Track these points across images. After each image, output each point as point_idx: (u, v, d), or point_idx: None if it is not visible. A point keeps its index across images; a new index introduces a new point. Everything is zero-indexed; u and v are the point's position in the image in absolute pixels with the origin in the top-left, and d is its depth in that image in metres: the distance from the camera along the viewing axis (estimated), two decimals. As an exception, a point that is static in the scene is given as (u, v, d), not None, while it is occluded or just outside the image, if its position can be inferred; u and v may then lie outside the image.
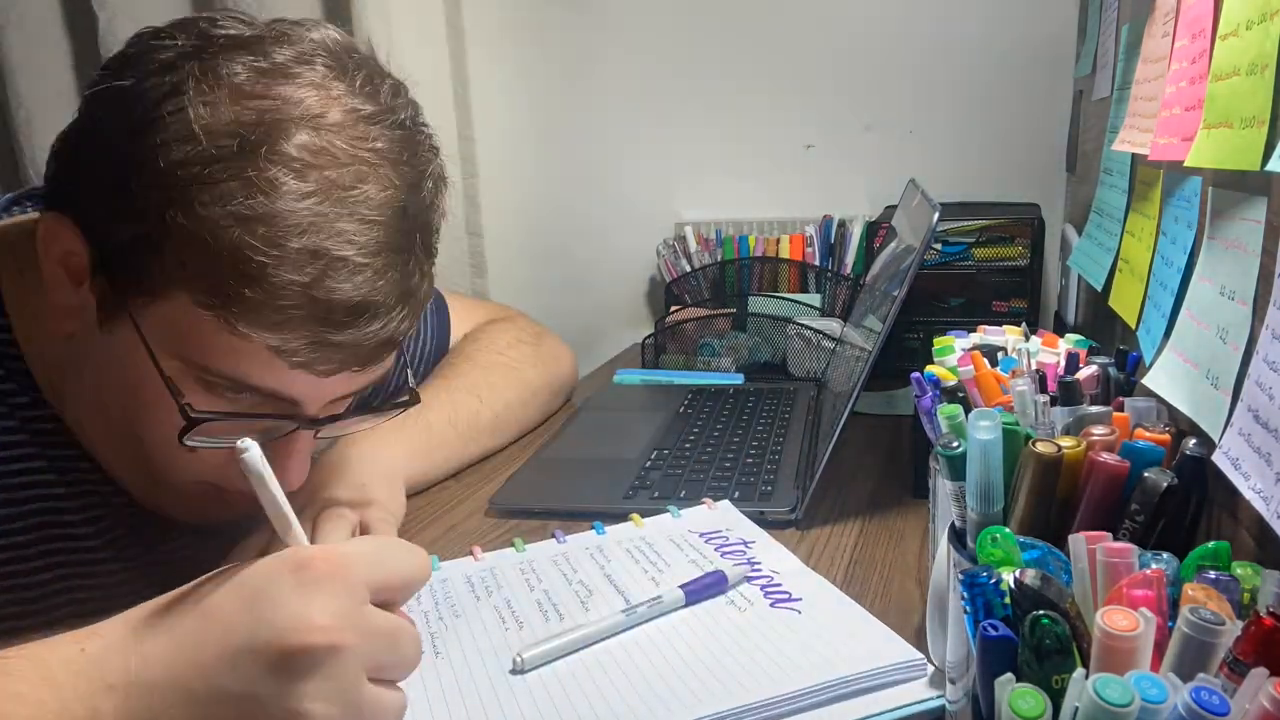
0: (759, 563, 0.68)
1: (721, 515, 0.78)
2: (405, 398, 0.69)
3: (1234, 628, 0.32)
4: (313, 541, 0.61)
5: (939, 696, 0.52)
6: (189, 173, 0.53)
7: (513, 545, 0.74)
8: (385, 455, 0.78)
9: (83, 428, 0.65)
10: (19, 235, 0.65)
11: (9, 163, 1.45)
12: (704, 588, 0.63)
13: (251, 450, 0.45)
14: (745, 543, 0.72)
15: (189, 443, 0.57)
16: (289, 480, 0.62)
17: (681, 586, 0.63)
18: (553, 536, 0.75)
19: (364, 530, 0.70)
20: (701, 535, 0.73)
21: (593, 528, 0.77)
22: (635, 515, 0.78)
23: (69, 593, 0.67)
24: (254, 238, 0.53)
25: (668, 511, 0.78)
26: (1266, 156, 0.45)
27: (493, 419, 0.95)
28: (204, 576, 0.46)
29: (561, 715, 0.52)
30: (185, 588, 0.46)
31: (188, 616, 0.45)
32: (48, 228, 0.58)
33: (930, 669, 0.54)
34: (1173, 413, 0.56)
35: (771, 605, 0.62)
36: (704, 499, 0.80)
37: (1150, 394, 0.58)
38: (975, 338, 0.74)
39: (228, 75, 0.55)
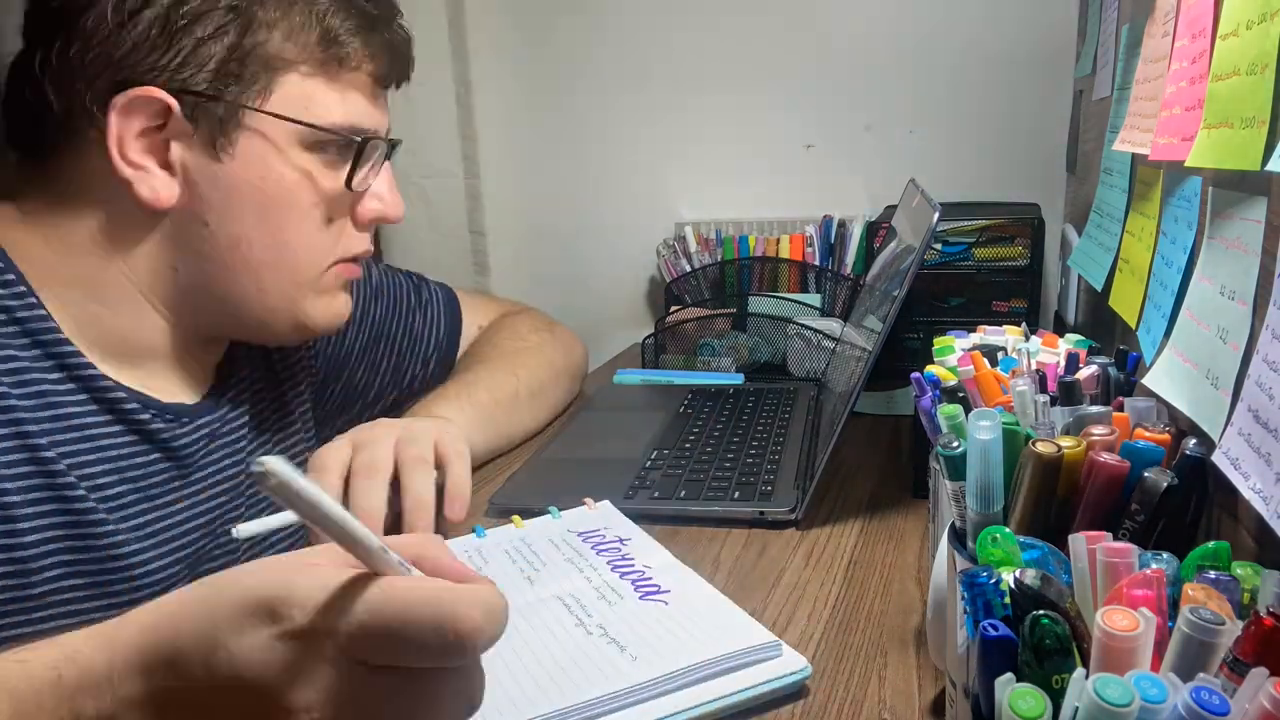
0: (632, 558, 0.70)
1: (600, 515, 0.79)
2: None
3: (1234, 628, 0.32)
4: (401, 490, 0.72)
5: (796, 673, 0.57)
6: None
7: None
8: (451, 425, 0.82)
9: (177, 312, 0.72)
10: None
11: (6, 159, 1.44)
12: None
13: (266, 466, 0.34)
14: (621, 540, 0.73)
15: (354, 185, 0.72)
16: (401, 211, 0.78)
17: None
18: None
19: (440, 462, 0.76)
20: (579, 535, 0.75)
21: (473, 530, 0.78)
22: (516, 517, 0.79)
23: (58, 554, 0.66)
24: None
25: (548, 513, 0.79)
26: (1266, 156, 0.45)
27: (529, 396, 1.01)
28: (191, 594, 0.41)
29: None
30: (167, 611, 0.41)
31: (160, 658, 0.40)
32: (125, 106, 0.64)
33: (785, 649, 0.58)
34: (1173, 413, 0.56)
35: (641, 598, 0.65)
36: (584, 499, 0.81)
37: (1150, 394, 0.58)
38: (975, 338, 0.74)
39: None
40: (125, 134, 0.65)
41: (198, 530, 0.74)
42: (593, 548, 0.72)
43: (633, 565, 0.69)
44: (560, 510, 0.80)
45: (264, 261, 0.71)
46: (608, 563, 0.69)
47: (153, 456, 0.71)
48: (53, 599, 0.65)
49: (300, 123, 0.69)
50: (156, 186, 0.66)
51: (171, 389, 0.73)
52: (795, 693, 0.57)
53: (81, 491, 0.66)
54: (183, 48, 0.65)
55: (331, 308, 0.77)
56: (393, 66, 0.76)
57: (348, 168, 0.72)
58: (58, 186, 0.68)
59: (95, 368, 0.68)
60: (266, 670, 0.37)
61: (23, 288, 0.65)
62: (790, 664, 0.57)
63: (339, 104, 0.71)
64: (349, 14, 0.71)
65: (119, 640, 0.41)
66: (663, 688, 0.54)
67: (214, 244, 0.69)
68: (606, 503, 0.81)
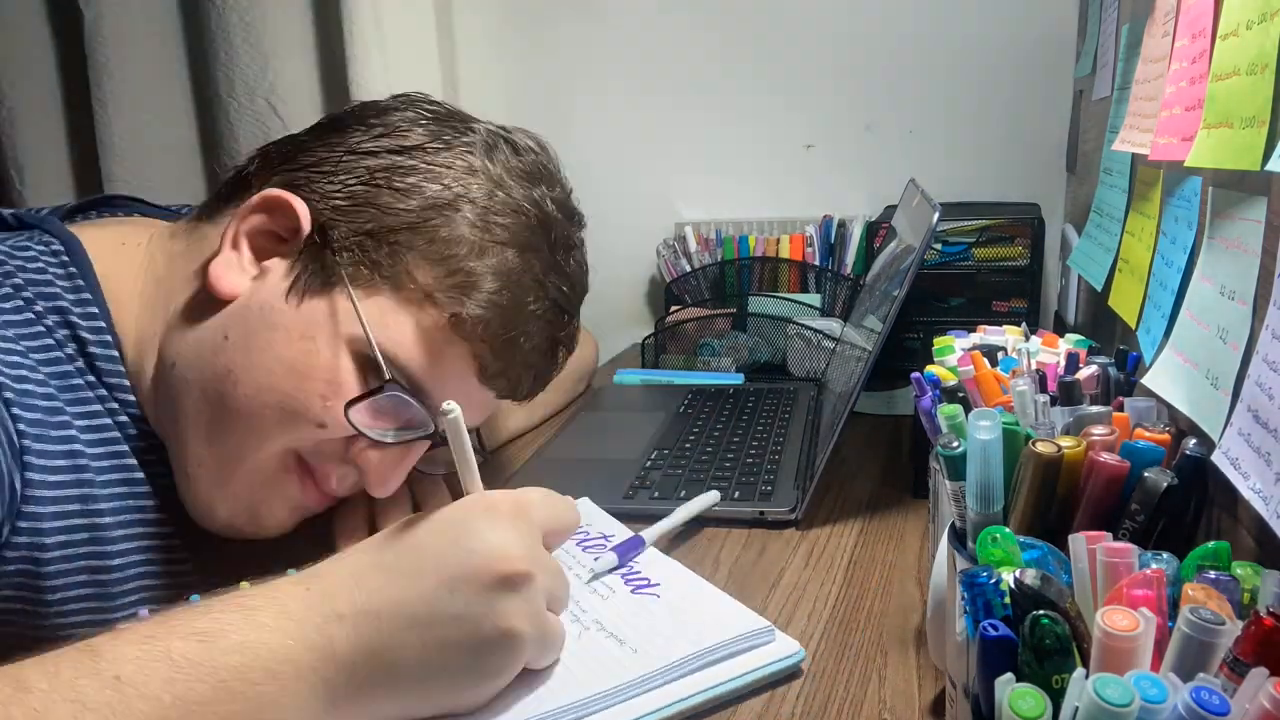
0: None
1: (582, 512, 0.78)
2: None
3: (1234, 628, 0.32)
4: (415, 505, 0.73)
5: (789, 656, 0.58)
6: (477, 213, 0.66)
7: None
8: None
9: (165, 410, 0.66)
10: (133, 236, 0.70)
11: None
12: (629, 549, 0.69)
13: (456, 411, 0.53)
14: (605, 536, 0.73)
15: (353, 419, 0.62)
16: (391, 484, 0.67)
17: (613, 549, 0.69)
18: None
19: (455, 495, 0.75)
20: None
21: None
22: None
23: (141, 579, 0.66)
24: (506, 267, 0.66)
25: None
26: (1266, 156, 0.45)
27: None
28: (400, 521, 0.53)
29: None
30: (380, 534, 0.53)
31: (400, 553, 0.51)
32: (273, 197, 0.64)
33: (778, 634, 0.59)
34: (1173, 413, 0.56)
35: (632, 591, 0.65)
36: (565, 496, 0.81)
37: (1150, 394, 0.58)
38: (975, 338, 0.74)
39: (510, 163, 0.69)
40: (251, 220, 0.65)
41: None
42: (578, 544, 0.72)
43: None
44: None
45: (235, 410, 0.62)
46: (595, 559, 0.69)
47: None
48: None
49: (370, 340, 0.62)
50: (230, 274, 0.64)
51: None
52: (791, 675, 0.58)
53: (164, 516, 0.67)
54: (356, 195, 0.64)
55: (249, 512, 0.66)
56: (511, 381, 0.69)
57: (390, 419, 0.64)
58: (199, 233, 0.69)
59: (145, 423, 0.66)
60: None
61: (103, 325, 0.64)
62: (784, 648, 0.58)
63: (414, 346, 0.64)
64: (510, 300, 0.65)
65: (340, 557, 0.52)
66: (664, 678, 0.55)
67: (213, 362, 0.63)
68: (586, 499, 0.81)
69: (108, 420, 0.64)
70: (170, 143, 1.31)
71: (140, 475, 0.66)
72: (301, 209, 0.64)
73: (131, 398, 0.65)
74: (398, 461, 0.67)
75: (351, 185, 0.65)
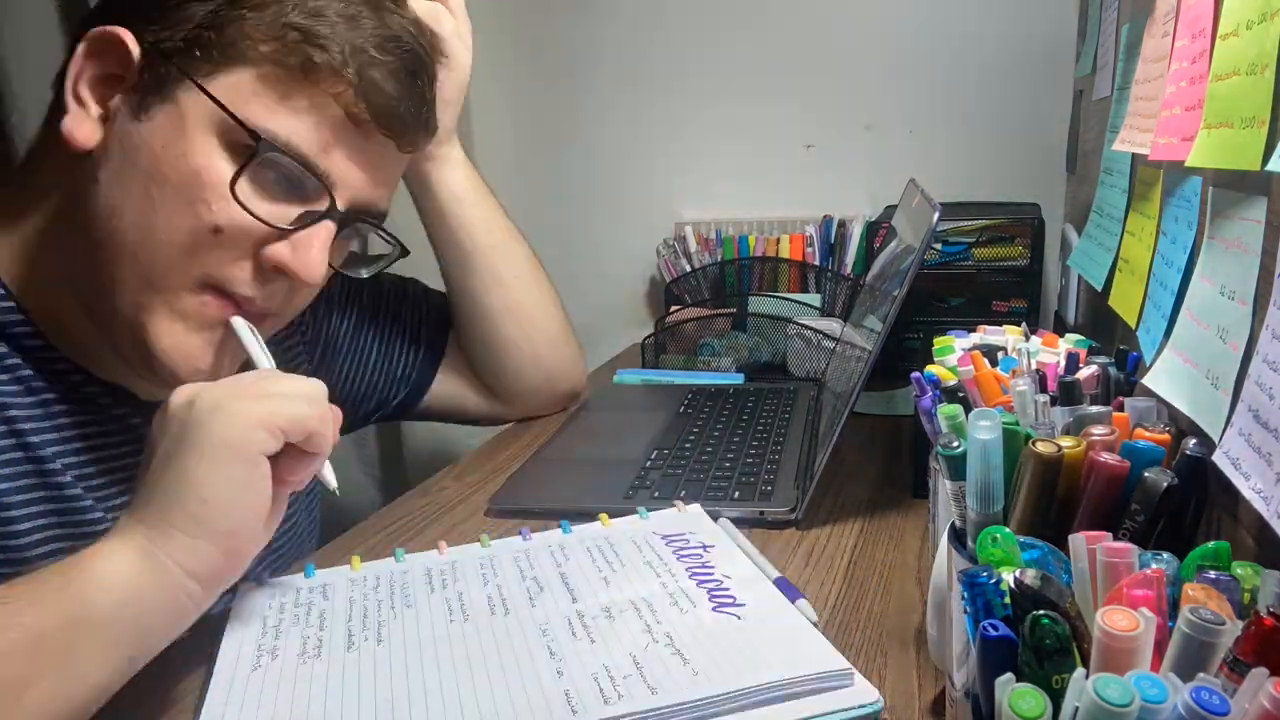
0: (712, 566, 0.68)
1: (689, 518, 0.78)
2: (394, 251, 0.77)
3: (1234, 628, 0.32)
4: None
5: (866, 705, 0.52)
6: None
7: (479, 541, 0.75)
8: None
9: (51, 291, 0.67)
10: None
11: (2, 156, 1.44)
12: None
13: (238, 320, 0.63)
14: (705, 547, 0.71)
15: (243, 201, 0.62)
16: (312, 273, 0.66)
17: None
18: (519, 534, 0.76)
19: None
20: (663, 538, 0.73)
21: (559, 525, 0.77)
22: (603, 515, 0.78)
23: (50, 543, 0.67)
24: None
25: (637, 513, 0.79)
26: (1266, 156, 0.45)
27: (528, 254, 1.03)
28: None
29: (481, 707, 0.53)
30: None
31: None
32: (94, 35, 0.63)
33: (857, 678, 0.54)
34: (1173, 413, 0.56)
35: (714, 609, 0.62)
36: (675, 500, 0.81)
37: (1150, 394, 0.58)
38: (975, 338, 0.74)
39: None
40: (85, 71, 0.64)
41: None
42: (674, 552, 0.70)
43: (712, 574, 0.67)
44: (649, 511, 0.79)
45: (126, 243, 0.63)
46: (686, 569, 0.67)
47: (133, 448, 0.70)
48: None
49: (224, 108, 0.62)
50: (82, 126, 0.63)
51: (151, 388, 0.71)
52: None
53: (69, 479, 0.66)
54: (170, 4, 0.64)
55: (182, 339, 0.65)
56: (385, 108, 0.67)
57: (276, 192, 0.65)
58: (29, 168, 0.69)
59: (70, 361, 0.68)
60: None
61: None
62: (861, 695, 0.53)
63: (283, 116, 0.63)
64: (350, 31, 0.65)
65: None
66: (720, 707, 0.51)
67: (94, 206, 0.63)
68: (697, 506, 0.79)
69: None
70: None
71: (34, 440, 0.66)
72: (125, 34, 0.63)
73: (29, 331, 0.66)
74: (308, 251, 0.65)
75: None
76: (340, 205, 0.67)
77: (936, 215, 0.76)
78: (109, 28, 0.63)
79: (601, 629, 0.60)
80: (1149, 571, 0.35)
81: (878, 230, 1.32)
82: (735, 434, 0.99)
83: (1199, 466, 0.43)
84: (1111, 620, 0.32)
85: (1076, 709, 0.30)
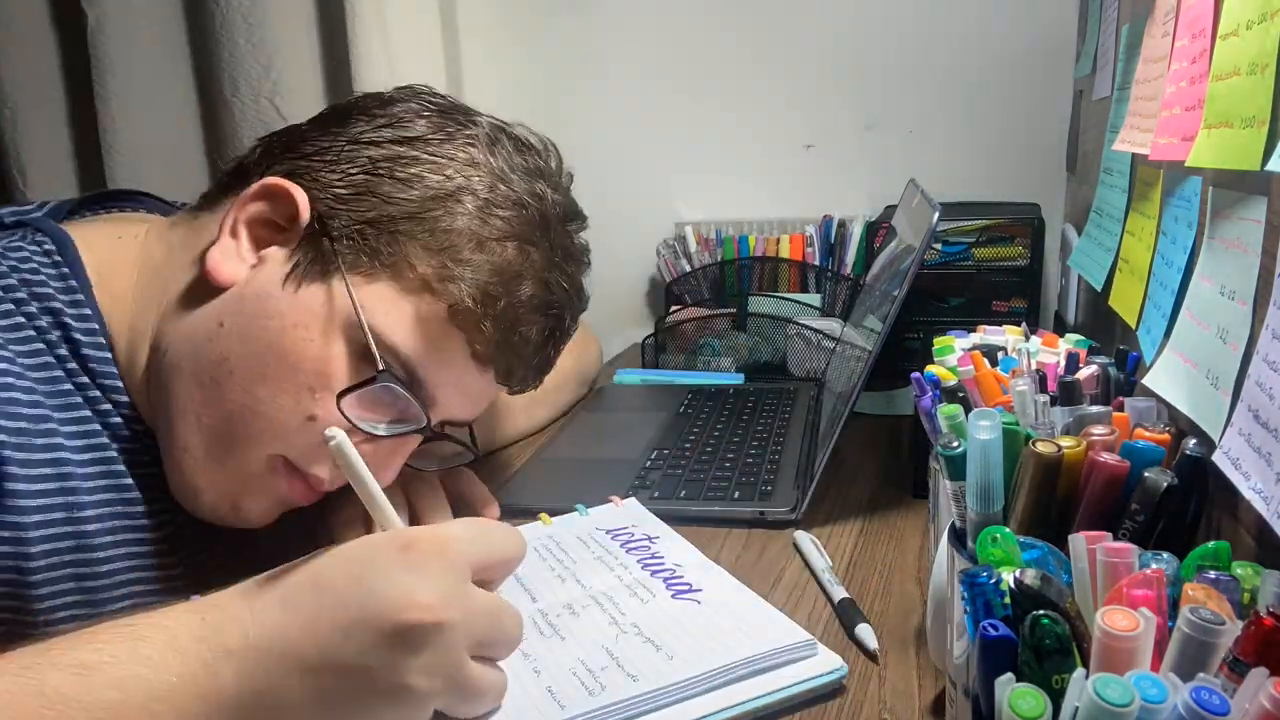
0: (662, 556, 0.70)
1: (627, 512, 0.79)
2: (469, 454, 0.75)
3: (1234, 628, 0.32)
4: (410, 515, 0.72)
5: (831, 673, 0.56)
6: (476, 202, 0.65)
7: None
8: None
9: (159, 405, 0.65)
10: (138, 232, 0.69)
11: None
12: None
13: (340, 436, 0.50)
14: (650, 538, 0.73)
15: (345, 409, 0.61)
16: (384, 477, 0.65)
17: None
18: None
19: (452, 495, 0.76)
20: (608, 532, 0.74)
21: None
22: (544, 514, 0.78)
23: (130, 585, 0.66)
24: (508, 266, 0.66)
25: (575, 510, 0.79)
26: (1266, 156, 0.45)
27: (527, 402, 0.97)
28: (313, 553, 0.50)
29: None
30: (295, 562, 0.50)
31: (302, 589, 0.48)
32: (273, 184, 0.64)
33: (820, 648, 0.58)
34: (1173, 413, 0.56)
35: (673, 596, 0.64)
36: (611, 497, 0.81)
37: (1150, 394, 0.58)
38: (975, 338, 0.74)
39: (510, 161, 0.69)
40: (249, 210, 0.65)
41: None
42: (622, 545, 0.72)
43: (663, 563, 0.69)
44: (587, 508, 0.80)
45: (225, 400, 0.62)
46: (638, 560, 0.69)
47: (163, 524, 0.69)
48: None
49: (365, 331, 0.62)
50: (228, 262, 0.64)
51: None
52: (833, 692, 0.56)
53: (156, 522, 0.67)
54: (357, 185, 0.64)
55: (232, 502, 0.65)
56: (513, 368, 0.69)
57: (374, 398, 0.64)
58: (198, 222, 0.69)
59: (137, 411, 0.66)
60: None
61: (95, 325, 0.64)
62: (825, 663, 0.57)
63: (415, 338, 0.63)
64: (506, 285, 0.65)
65: (245, 585, 0.49)
66: (700, 687, 0.54)
67: (209, 347, 0.63)
68: (633, 500, 0.81)
69: (97, 426, 0.64)
70: (173, 143, 1.31)
71: (129, 481, 0.65)
72: (301, 197, 0.64)
73: (124, 397, 0.65)
74: (390, 455, 0.66)
75: (353, 174, 0.65)
76: (433, 423, 0.67)
77: (936, 215, 0.76)
78: (291, 186, 0.64)
79: (568, 625, 0.61)
80: (1149, 571, 0.35)
81: (878, 230, 1.32)
82: (735, 434, 0.99)
83: (1199, 466, 0.43)
84: (1111, 620, 0.32)
85: (1076, 709, 0.30)
